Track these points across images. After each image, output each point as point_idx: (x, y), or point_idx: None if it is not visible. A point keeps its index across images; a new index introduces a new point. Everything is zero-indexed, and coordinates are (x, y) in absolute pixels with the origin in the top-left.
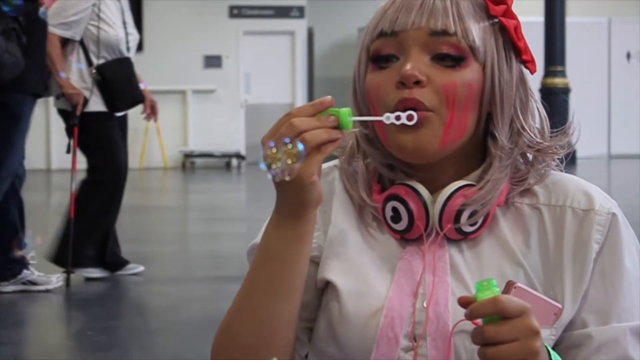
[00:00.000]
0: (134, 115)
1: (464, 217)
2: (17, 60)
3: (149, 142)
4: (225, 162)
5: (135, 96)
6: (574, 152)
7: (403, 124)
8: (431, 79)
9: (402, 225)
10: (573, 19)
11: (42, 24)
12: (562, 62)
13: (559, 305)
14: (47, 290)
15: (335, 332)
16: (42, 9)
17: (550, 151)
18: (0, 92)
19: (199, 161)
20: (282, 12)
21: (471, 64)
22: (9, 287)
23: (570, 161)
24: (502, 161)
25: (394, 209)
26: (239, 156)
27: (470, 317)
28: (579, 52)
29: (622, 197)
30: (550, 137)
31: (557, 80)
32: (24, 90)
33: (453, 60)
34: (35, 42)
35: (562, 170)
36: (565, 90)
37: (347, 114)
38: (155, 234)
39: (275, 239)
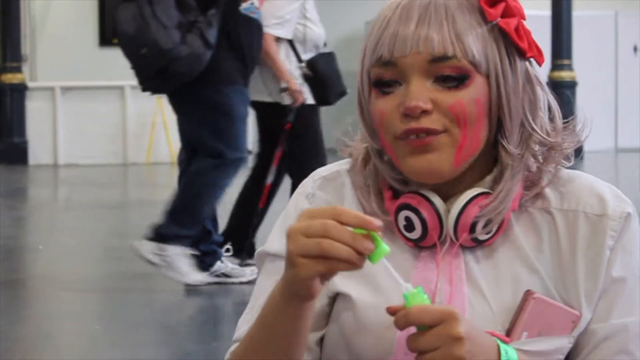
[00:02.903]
0: (140, 109)
1: (479, 227)
2: (195, 52)
3: (156, 136)
4: None
5: (342, 88)
6: (581, 146)
7: (414, 148)
8: (437, 103)
9: (415, 234)
10: (580, 13)
11: (245, 19)
12: (568, 55)
13: (577, 313)
14: (241, 283)
15: (350, 342)
16: (245, 5)
17: (561, 148)
18: (203, 85)
19: None
20: None
21: (475, 79)
22: (205, 279)
23: (577, 155)
24: (513, 169)
25: (407, 218)
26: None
27: (398, 329)
28: (585, 46)
29: (629, 191)
30: (562, 128)
31: (564, 74)
32: (226, 81)
33: (456, 80)
34: (235, 36)
35: (572, 166)
36: (572, 84)
37: (382, 253)
38: None
39: (270, 308)
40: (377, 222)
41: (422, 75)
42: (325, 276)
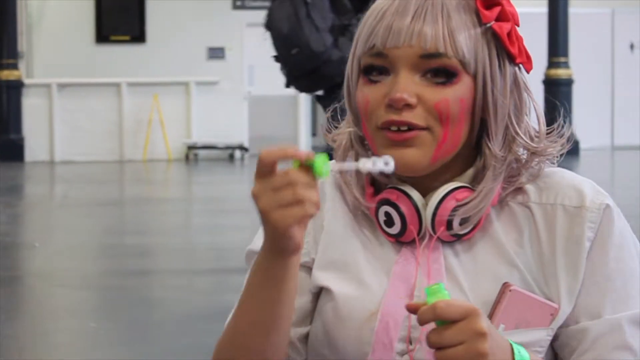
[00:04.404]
0: (137, 106)
1: (456, 222)
2: (346, 57)
3: (152, 133)
4: (229, 154)
5: None
6: (577, 143)
7: (393, 142)
8: (422, 98)
9: (395, 229)
10: (576, 10)
11: None
12: (565, 53)
13: (555, 306)
14: None
15: (331, 336)
16: None
17: (544, 153)
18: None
19: (202, 153)
20: None
21: (462, 78)
22: None
23: (573, 153)
24: (495, 170)
25: (387, 214)
26: (242, 148)
27: (420, 323)
28: (582, 43)
29: (625, 189)
30: (547, 135)
31: (561, 72)
32: None
33: (444, 76)
34: None
35: (568, 164)
36: (569, 82)
37: (322, 163)
38: (158, 226)
39: (256, 279)
40: (295, 149)
41: (411, 68)
42: (301, 222)
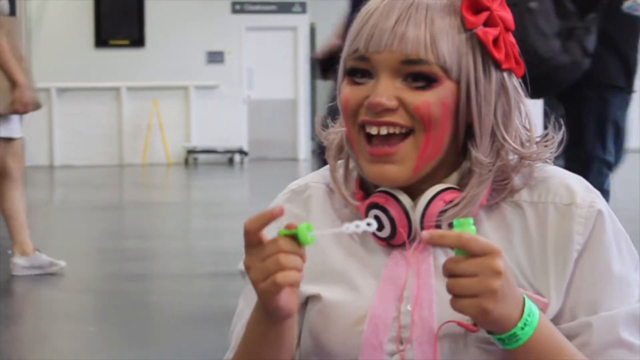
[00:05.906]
0: (136, 110)
1: (445, 223)
2: (575, 61)
3: (152, 138)
4: (228, 158)
5: None
6: None
7: (374, 157)
8: (403, 101)
9: (385, 232)
10: None
11: (628, 18)
12: None
13: (545, 300)
14: None
15: (320, 342)
16: (628, 3)
17: (534, 158)
18: (587, 89)
19: (201, 157)
20: (285, 8)
21: (443, 83)
22: None
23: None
24: (481, 176)
25: (376, 217)
26: (241, 152)
27: (430, 241)
28: None
29: (627, 192)
30: (539, 140)
31: None
32: (608, 85)
33: (424, 81)
34: (618, 38)
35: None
36: None
37: (305, 231)
38: (157, 230)
39: (253, 337)
40: (277, 209)
41: (392, 73)
42: (291, 287)
